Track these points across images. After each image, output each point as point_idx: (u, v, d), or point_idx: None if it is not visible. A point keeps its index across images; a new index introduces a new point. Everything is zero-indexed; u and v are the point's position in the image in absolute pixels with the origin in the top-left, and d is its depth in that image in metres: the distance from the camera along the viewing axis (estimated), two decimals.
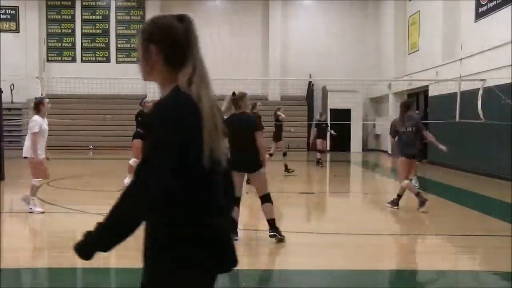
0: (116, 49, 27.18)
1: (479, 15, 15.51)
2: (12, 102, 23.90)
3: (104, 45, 27.23)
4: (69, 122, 21.46)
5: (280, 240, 6.06)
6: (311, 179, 14.55)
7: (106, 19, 27.23)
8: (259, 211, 8.09)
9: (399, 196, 8.55)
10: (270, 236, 6.09)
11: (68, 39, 27.22)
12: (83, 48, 27.21)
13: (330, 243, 6.60)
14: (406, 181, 8.47)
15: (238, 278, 5.16)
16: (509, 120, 12.35)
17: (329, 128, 17.65)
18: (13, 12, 26.67)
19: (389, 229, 7.66)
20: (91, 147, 23.30)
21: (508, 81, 12.88)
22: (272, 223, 6.13)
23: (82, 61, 27.09)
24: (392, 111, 22.43)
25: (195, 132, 1.88)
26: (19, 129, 24.25)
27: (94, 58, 27.18)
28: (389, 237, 6.93)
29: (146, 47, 2.02)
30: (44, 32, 27.00)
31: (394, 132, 8.59)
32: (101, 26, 27.23)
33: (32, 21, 26.63)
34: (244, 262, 5.57)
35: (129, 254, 5.83)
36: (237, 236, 5.94)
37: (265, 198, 6.18)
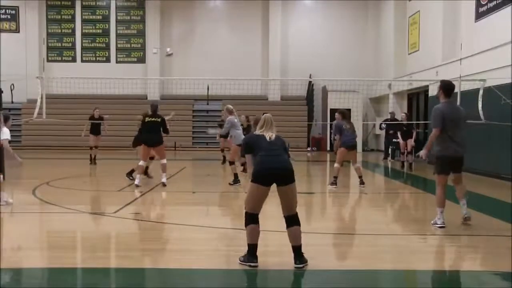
0: (116, 49, 27.21)
1: (479, 15, 15.51)
2: (12, 102, 23.93)
3: (104, 45, 27.25)
4: (69, 122, 21.46)
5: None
6: (311, 179, 14.55)
7: (106, 19, 27.25)
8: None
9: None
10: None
11: (68, 39, 27.24)
12: (83, 48, 27.24)
13: (330, 243, 6.60)
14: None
15: (238, 278, 5.16)
16: (509, 120, 12.36)
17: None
18: (13, 12, 26.69)
19: (389, 229, 7.65)
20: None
21: (508, 81, 12.88)
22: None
23: (82, 61, 27.12)
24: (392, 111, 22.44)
25: None
26: (19, 129, 24.26)
27: (94, 58, 27.21)
28: (389, 237, 6.93)
29: None
30: (44, 32, 27.02)
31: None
32: (101, 26, 27.25)
33: (32, 21, 26.66)
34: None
35: (129, 254, 5.85)
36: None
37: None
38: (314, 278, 5.08)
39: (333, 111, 24.17)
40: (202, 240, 6.47)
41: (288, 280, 5.11)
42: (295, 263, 5.21)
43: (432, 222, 7.35)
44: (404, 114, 17.87)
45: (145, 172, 12.05)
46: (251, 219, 5.26)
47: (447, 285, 5.12)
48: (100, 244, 6.34)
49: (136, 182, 10.80)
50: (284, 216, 5.32)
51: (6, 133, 8.59)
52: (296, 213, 5.30)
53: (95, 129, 16.24)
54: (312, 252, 5.84)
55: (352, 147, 11.58)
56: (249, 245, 5.25)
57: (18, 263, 5.45)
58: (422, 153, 7.51)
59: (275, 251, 6.00)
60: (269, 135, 5.44)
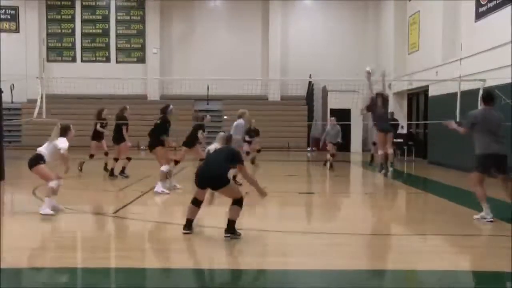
0: (116, 49, 27.20)
1: (479, 15, 15.51)
2: (12, 102, 23.89)
3: (104, 45, 27.24)
4: (69, 122, 21.43)
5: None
6: (311, 179, 14.55)
7: (106, 19, 27.24)
8: (258, 211, 8.09)
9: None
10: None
11: (68, 39, 27.23)
12: (83, 48, 27.23)
13: (330, 243, 6.60)
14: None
15: (238, 278, 5.16)
16: (509, 120, 12.35)
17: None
18: (13, 12, 26.69)
19: (389, 229, 7.66)
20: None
21: (508, 81, 12.88)
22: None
23: (82, 61, 27.11)
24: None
25: None
26: (19, 129, 24.26)
27: (94, 58, 27.20)
28: (389, 237, 6.94)
29: None
30: (44, 32, 27.02)
31: None
32: (101, 26, 27.25)
33: (32, 21, 26.65)
34: (244, 262, 5.57)
35: (129, 254, 5.85)
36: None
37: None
38: (314, 278, 5.08)
39: (333, 111, 24.21)
40: (202, 240, 6.47)
41: (288, 280, 5.11)
42: (225, 232, 6.33)
43: (478, 217, 7.68)
44: None
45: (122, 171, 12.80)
46: (195, 201, 6.64)
47: (447, 285, 5.12)
48: (100, 244, 6.34)
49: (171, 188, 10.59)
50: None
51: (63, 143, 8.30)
52: (239, 198, 6.40)
53: (99, 134, 13.83)
54: (312, 252, 5.85)
55: (386, 130, 12.13)
56: (186, 219, 6.61)
57: (18, 263, 5.45)
58: (454, 124, 8.26)
59: (275, 251, 6.00)
60: (215, 147, 6.77)
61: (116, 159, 12.86)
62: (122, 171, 12.85)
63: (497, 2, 14.43)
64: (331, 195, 11.09)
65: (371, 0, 26.44)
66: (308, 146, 25.43)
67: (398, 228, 7.86)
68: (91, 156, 13.77)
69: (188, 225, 6.59)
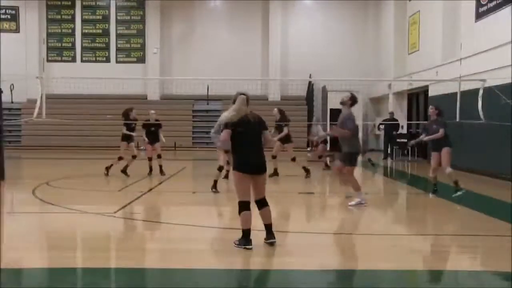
0: (116, 49, 27.21)
1: (479, 15, 15.51)
2: (12, 102, 23.90)
3: (104, 45, 27.25)
4: (69, 122, 21.45)
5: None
6: (310, 179, 14.53)
7: (106, 19, 27.25)
8: (258, 211, 8.06)
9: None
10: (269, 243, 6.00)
11: (68, 39, 27.24)
12: (83, 48, 27.24)
13: (330, 243, 6.60)
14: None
15: (238, 278, 5.16)
16: (509, 120, 12.35)
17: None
18: (13, 12, 26.70)
19: (389, 229, 7.65)
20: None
21: (508, 81, 12.88)
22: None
23: (82, 61, 27.12)
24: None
25: None
26: (19, 129, 24.27)
27: (94, 58, 27.21)
28: (389, 237, 6.93)
29: None
30: (44, 32, 27.03)
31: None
32: (101, 26, 27.26)
33: (32, 21, 26.66)
34: (244, 262, 5.57)
35: (129, 254, 5.85)
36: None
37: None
38: (315, 278, 5.08)
39: (333, 111, 24.20)
40: (202, 240, 6.47)
41: (288, 280, 5.11)
42: (266, 239, 5.93)
43: (354, 203, 8.89)
44: (276, 110, 14.52)
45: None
46: (246, 205, 5.85)
47: (447, 285, 5.12)
48: (100, 244, 6.34)
49: None
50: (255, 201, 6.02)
51: None
52: (263, 197, 6.01)
53: (152, 137, 13.65)
54: (312, 252, 5.84)
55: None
56: (243, 230, 5.84)
57: (18, 263, 5.45)
58: (333, 130, 9.63)
59: (275, 251, 6.00)
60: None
61: (159, 156, 13.67)
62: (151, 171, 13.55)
63: (497, 2, 14.43)
64: (330, 195, 11.08)
65: (371, 0, 26.45)
66: (308, 146, 25.42)
67: (398, 228, 7.86)
68: (120, 158, 13.34)
69: (248, 238, 5.82)
